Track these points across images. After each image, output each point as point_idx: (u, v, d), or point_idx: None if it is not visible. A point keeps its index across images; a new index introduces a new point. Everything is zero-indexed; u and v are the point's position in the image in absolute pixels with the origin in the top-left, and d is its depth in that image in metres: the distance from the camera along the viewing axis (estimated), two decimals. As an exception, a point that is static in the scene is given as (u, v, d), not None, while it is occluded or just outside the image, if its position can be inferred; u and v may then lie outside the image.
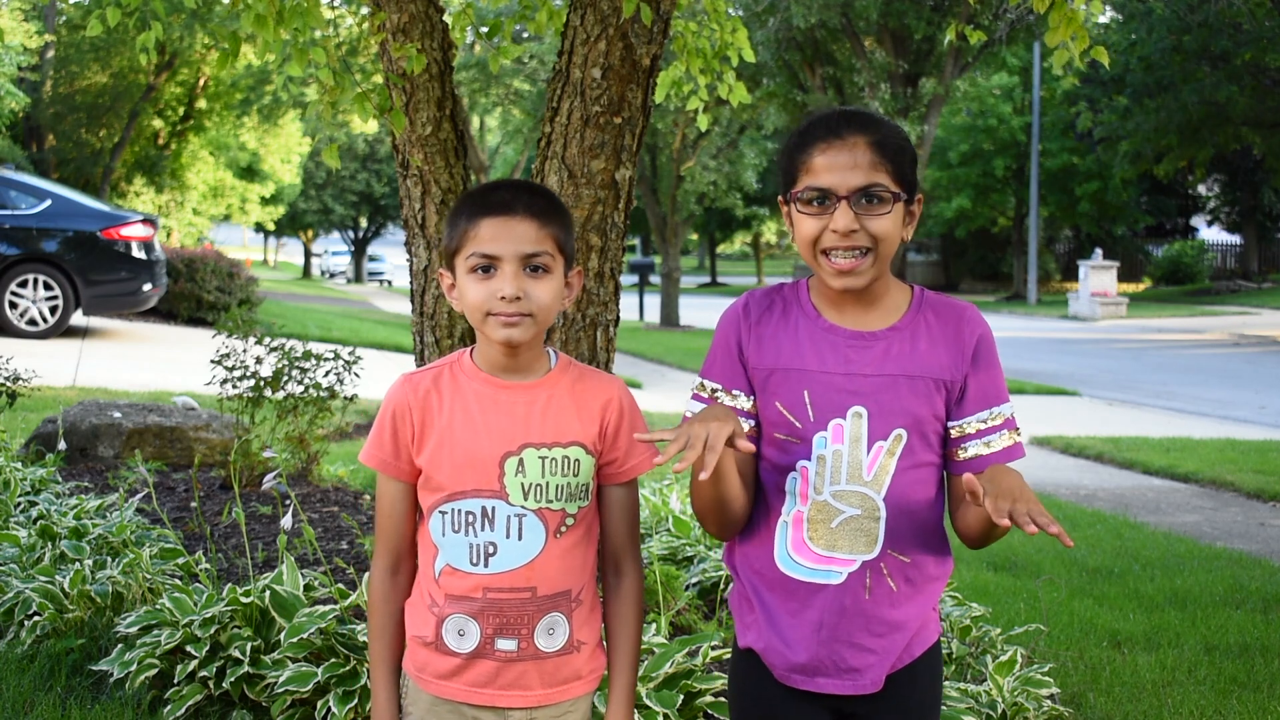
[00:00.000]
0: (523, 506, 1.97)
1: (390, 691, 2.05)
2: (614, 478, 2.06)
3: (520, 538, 1.97)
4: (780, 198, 2.02)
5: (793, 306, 2.02)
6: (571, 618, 2.01)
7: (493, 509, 1.97)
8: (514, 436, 1.98)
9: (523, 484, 1.97)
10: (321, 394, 5.52)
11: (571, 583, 2.01)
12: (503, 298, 1.93)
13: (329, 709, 3.02)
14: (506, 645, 1.97)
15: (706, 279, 52.84)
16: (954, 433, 1.99)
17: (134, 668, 3.24)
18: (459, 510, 1.98)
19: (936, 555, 2.01)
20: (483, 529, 1.97)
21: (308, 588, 3.55)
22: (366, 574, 2.92)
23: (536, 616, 1.98)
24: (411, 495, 2.04)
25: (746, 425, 2.00)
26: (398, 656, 2.06)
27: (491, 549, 1.97)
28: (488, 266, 1.95)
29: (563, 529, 1.99)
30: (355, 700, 3.02)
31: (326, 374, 5.55)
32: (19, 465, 5.38)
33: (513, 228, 1.95)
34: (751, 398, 2.01)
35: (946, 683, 3.41)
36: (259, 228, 45.86)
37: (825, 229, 1.92)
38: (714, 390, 2.02)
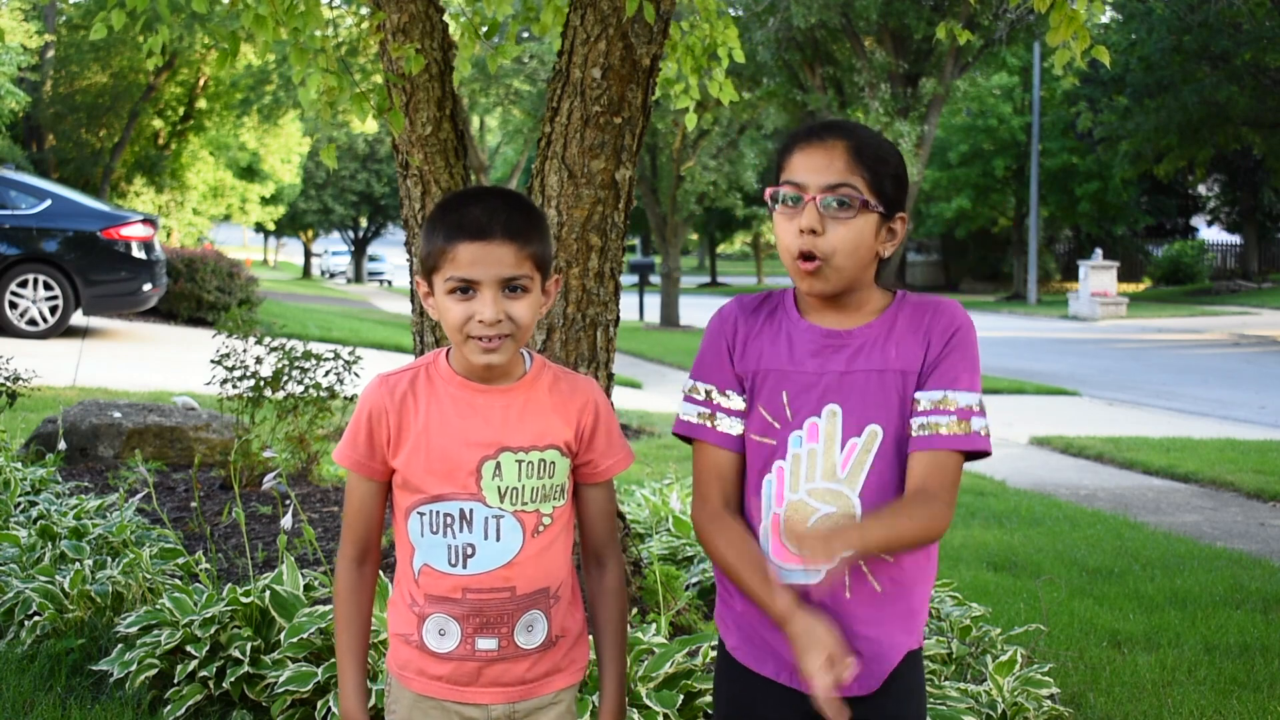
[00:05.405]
0: (500, 508, 1.97)
1: (358, 681, 2.05)
2: (591, 478, 2.07)
3: (499, 539, 1.98)
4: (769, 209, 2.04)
5: (779, 311, 2.04)
6: (550, 614, 2.02)
7: (470, 511, 1.97)
8: (490, 441, 1.98)
9: (499, 487, 1.97)
10: (321, 394, 5.52)
11: (550, 580, 2.02)
12: (482, 321, 1.92)
13: (329, 709, 3.02)
14: (487, 644, 1.98)
15: (706, 279, 52.84)
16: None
17: (134, 668, 3.24)
18: (437, 512, 1.98)
19: (919, 556, 1.98)
20: (461, 531, 1.97)
21: (308, 588, 3.55)
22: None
23: (516, 615, 1.99)
24: (383, 494, 2.05)
25: (738, 428, 2.01)
26: (365, 647, 2.07)
27: (470, 550, 1.97)
28: (466, 289, 1.93)
29: (540, 529, 2.00)
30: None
31: (326, 374, 5.55)
32: (19, 465, 5.38)
33: (491, 252, 1.92)
34: (744, 397, 2.02)
35: (946, 683, 3.41)
36: (259, 228, 45.86)
37: (796, 231, 1.93)
38: (708, 391, 2.03)
